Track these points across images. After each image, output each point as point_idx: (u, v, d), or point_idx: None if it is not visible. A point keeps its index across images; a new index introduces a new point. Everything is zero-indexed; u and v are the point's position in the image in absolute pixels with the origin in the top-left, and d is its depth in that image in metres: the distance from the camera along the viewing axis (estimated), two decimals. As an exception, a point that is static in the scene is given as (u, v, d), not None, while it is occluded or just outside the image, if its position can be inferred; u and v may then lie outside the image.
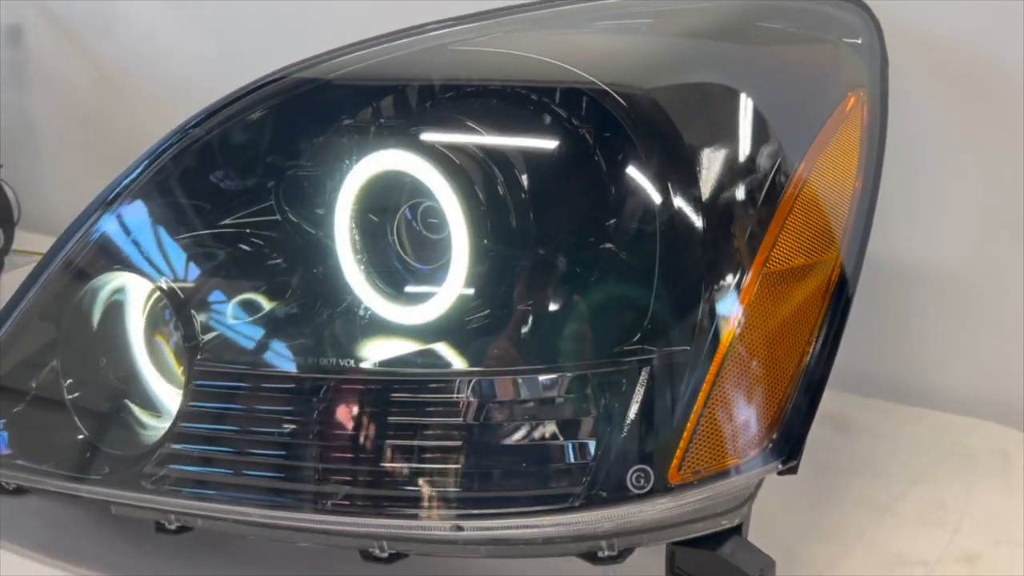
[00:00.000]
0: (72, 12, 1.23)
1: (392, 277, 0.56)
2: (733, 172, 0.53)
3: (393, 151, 0.53)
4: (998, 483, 0.72)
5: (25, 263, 1.07)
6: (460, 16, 0.60)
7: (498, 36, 0.57)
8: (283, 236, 0.58)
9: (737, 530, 0.58)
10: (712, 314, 0.51)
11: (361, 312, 0.54)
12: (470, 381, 0.50)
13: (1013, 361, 0.80)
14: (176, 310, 0.55)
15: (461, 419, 0.51)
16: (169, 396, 0.63)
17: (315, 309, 0.55)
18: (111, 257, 0.59)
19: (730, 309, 0.52)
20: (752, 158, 0.55)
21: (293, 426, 0.53)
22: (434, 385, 0.51)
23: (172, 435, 0.55)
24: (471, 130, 0.54)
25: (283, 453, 0.53)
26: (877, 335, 0.85)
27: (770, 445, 0.54)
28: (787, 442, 0.54)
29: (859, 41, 0.65)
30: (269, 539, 0.59)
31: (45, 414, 0.61)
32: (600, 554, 0.55)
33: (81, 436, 0.60)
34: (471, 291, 0.51)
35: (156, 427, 0.62)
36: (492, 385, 0.50)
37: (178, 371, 0.59)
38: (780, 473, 0.56)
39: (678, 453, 0.51)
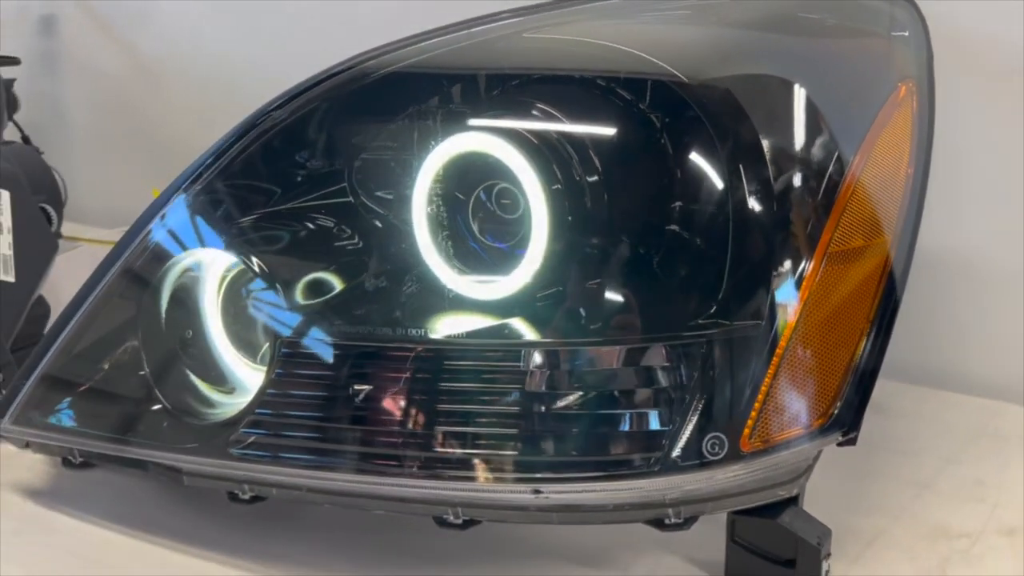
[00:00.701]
0: (108, 2, 1.27)
1: (468, 255, 0.59)
2: (798, 157, 0.56)
3: (474, 133, 0.56)
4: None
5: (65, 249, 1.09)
6: (526, 7, 0.62)
7: (566, 24, 0.60)
8: (356, 216, 0.61)
9: (794, 500, 0.61)
10: (782, 290, 0.54)
11: (442, 287, 0.57)
12: (556, 351, 0.53)
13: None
14: (266, 284, 0.58)
15: (544, 387, 0.54)
16: (242, 367, 0.65)
17: (393, 285, 0.57)
18: (191, 235, 0.61)
19: (798, 286, 0.54)
20: (815, 144, 0.57)
21: (379, 394, 0.55)
22: (517, 355, 0.54)
23: (259, 403, 0.57)
24: (547, 114, 0.57)
25: (368, 420, 0.56)
26: (908, 322, 0.89)
27: (831, 417, 0.57)
28: (847, 414, 0.57)
29: (906, 34, 0.68)
30: (344, 507, 0.61)
31: (123, 387, 0.63)
32: (667, 521, 0.58)
33: (159, 407, 0.62)
34: (550, 267, 0.54)
35: (228, 401, 0.65)
36: (577, 355, 0.53)
37: (258, 343, 0.61)
38: (840, 444, 0.59)
39: (749, 422, 0.54)
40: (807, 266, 0.55)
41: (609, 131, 0.55)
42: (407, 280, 0.57)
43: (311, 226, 0.60)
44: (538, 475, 0.53)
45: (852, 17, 0.66)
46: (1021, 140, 0.83)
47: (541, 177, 0.53)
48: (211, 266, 0.64)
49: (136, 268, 0.63)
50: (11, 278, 0.85)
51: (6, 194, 0.86)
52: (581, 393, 0.53)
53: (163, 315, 0.62)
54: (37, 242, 0.88)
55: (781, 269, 0.54)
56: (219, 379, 0.64)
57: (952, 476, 0.73)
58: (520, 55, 0.59)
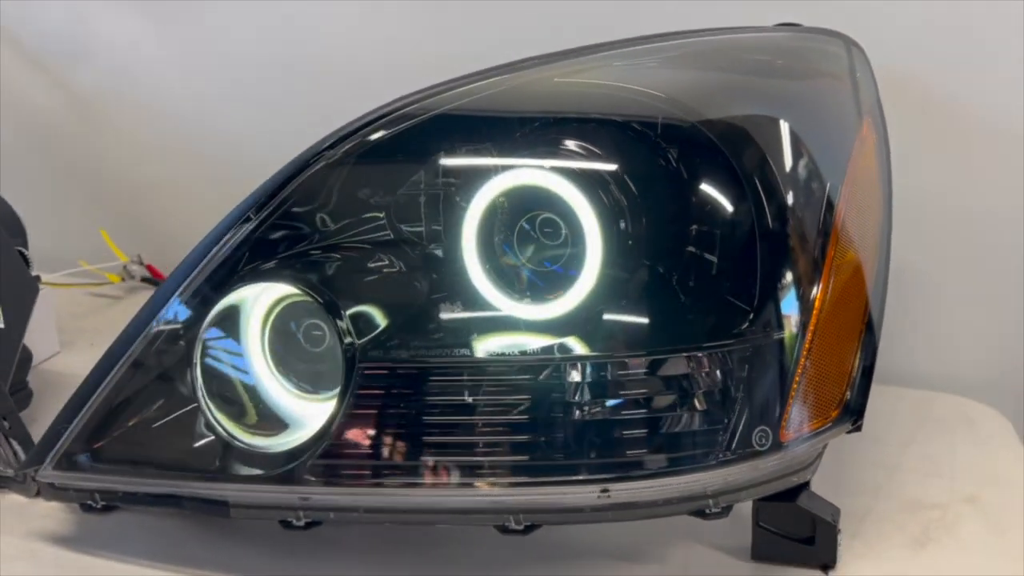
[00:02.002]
0: (40, 38, 1.23)
1: (516, 280, 0.63)
2: (803, 185, 0.65)
3: (525, 170, 0.61)
4: (970, 441, 0.86)
5: None
6: (550, 54, 0.68)
7: (592, 69, 0.66)
8: (402, 248, 0.64)
9: (806, 485, 0.69)
10: (803, 300, 0.62)
11: (500, 310, 0.61)
12: (621, 362, 0.58)
13: (963, 341, 0.97)
14: (332, 315, 0.60)
15: (614, 396, 0.59)
16: (289, 398, 0.66)
17: (451, 309, 0.61)
18: (243, 271, 0.63)
19: (814, 296, 0.63)
20: (813, 172, 0.66)
21: (453, 411, 0.59)
22: (583, 368, 0.59)
23: (337, 429, 0.60)
24: (591, 152, 0.62)
25: (444, 435, 0.59)
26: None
27: (844, 407, 0.66)
28: (856, 405, 0.66)
29: (858, 75, 0.78)
30: (408, 524, 0.64)
31: (173, 424, 0.64)
32: (708, 511, 0.65)
33: (212, 440, 0.63)
34: (607, 286, 0.59)
35: (278, 438, 0.65)
36: (640, 365, 0.58)
37: (315, 372, 0.63)
38: (849, 432, 0.67)
39: (785, 416, 0.61)
40: (820, 278, 0.64)
41: (654, 167, 0.61)
42: (458, 304, 0.61)
43: (365, 258, 0.64)
44: (606, 476, 0.59)
45: (821, 61, 0.75)
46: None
47: (593, 205, 0.60)
48: (256, 302, 0.65)
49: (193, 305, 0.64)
50: (1, 324, 0.82)
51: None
52: (645, 399, 0.59)
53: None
54: (20, 286, 0.86)
55: (802, 282, 0.62)
56: (264, 412, 0.66)
57: (912, 457, 0.84)
58: (559, 98, 0.64)
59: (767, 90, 0.70)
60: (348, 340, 0.60)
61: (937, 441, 0.86)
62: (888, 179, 0.76)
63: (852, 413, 0.65)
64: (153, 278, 1.26)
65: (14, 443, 0.76)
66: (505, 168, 0.62)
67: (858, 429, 0.67)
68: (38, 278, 0.93)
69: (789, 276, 0.61)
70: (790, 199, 0.63)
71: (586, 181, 0.60)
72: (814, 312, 0.63)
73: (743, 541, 0.70)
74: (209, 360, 0.64)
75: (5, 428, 0.76)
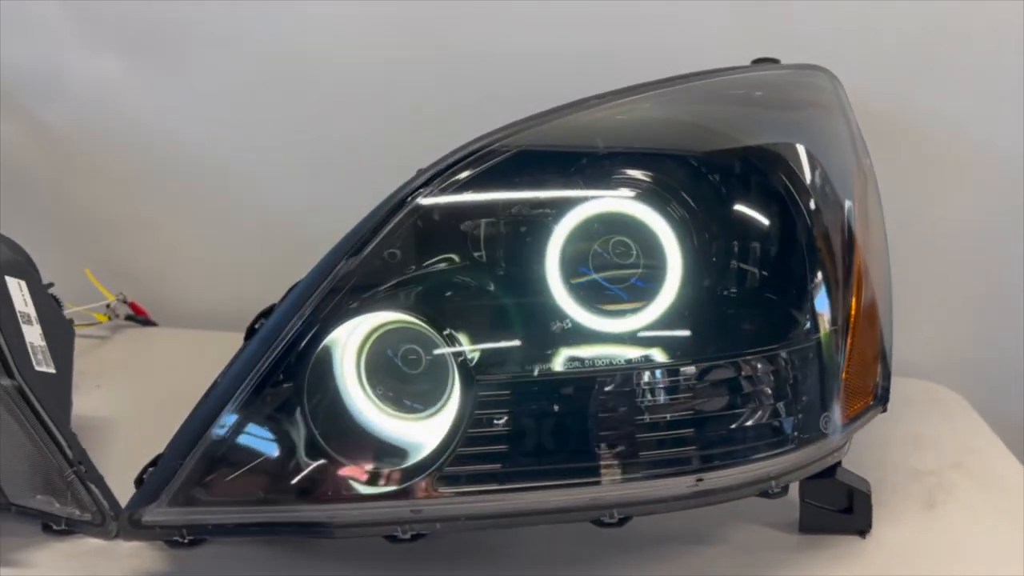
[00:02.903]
0: (12, 73, 1.18)
1: (597, 297, 0.69)
2: (834, 202, 0.74)
3: (603, 199, 0.68)
4: (941, 418, 0.99)
5: None
6: (603, 94, 0.75)
7: (642, 106, 0.73)
8: (490, 272, 0.69)
9: (839, 462, 0.78)
10: (844, 300, 0.72)
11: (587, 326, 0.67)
12: (711, 365, 0.66)
13: (925, 332, 1.10)
14: (444, 337, 0.65)
15: (706, 394, 0.66)
16: (387, 419, 0.70)
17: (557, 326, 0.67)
18: (351, 305, 0.66)
19: (851, 296, 0.73)
20: (839, 190, 0.75)
21: (559, 418, 0.65)
22: (677, 371, 0.66)
23: (459, 442, 0.65)
24: (654, 178, 0.69)
25: (552, 441, 0.65)
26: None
27: (875, 392, 0.75)
28: (884, 389, 0.77)
29: (844, 103, 0.89)
30: (510, 527, 0.69)
31: (288, 450, 0.67)
32: (771, 492, 0.73)
33: (323, 463, 0.66)
34: (683, 297, 0.67)
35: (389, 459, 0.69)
36: (727, 366, 0.66)
37: (419, 393, 0.68)
38: (880, 412, 0.77)
39: (841, 401, 0.70)
40: (853, 281, 0.73)
41: (715, 190, 0.69)
42: (567, 321, 0.67)
43: (461, 283, 0.68)
44: (700, 467, 0.66)
45: (818, 94, 0.85)
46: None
47: (671, 227, 0.67)
48: (351, 335, 0.69)
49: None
50: (52, 369, 0.81)
51: (23, 284, 0.82)
52: (730, 397, 0.67)
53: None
54: (60, 329, 0.85)
55: (841, 286, 0.72)
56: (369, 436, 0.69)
57: (898, 434, 0.95)
58: (623, 132, 0.72)
59: (787, 120, 0.80)
60: (462, 359, 0.65)
61: (914, 419, 0.99)
62: (879, 198, 0.87)
63: (882, 396, 0.76)
64: (136, 315, 1.24)
65: (92, 487, 0.76)
66: (584, 199, 0.70)
67: (884, 410, 0.77)
68: (71, 321, 0.92)
69: (832, 281, 0.71)
70: (827, 215, 0.73)
71: (659, 205, 0.68)
72: (852, 311, 0.73)
73: (787, 518, 0.79)
74: (315, 392, 0.68)
75: (82, 473, 0.76)
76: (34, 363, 0.79)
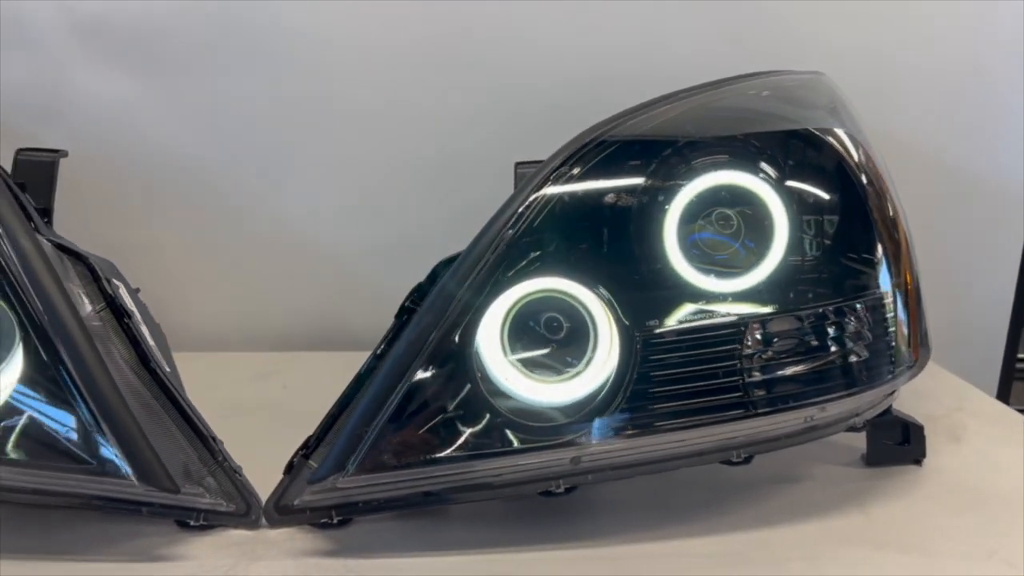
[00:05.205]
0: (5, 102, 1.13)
1: (711, 261, 0.78)
2: (884, 180, 0.87)
3: (713, 173, 0.78)
4: (926, 375, 0.99)
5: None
6: (689, 88, 0.84)
7: (726, 97, 0.84)
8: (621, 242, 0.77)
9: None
10: (907, 259, 0.84)
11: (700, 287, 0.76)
12: (818, 312, 0.76)
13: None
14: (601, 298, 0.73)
15: (808, 340, 0.77)
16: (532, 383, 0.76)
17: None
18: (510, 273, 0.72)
19: (909, 257, 0.85)
20: (884, 173, 0.88)
21: (702, 367, 0.73)
22: (790, 321, 0.76)
23: (626, 391, 0.71)
24: (757, 155, 0.80)
25: (697, 389, 0.73)
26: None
27: (923, 338, 0.87)
28: (927, 337, 0.88)
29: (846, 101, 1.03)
30: (652, 474, 0.76)
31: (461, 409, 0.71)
32: (856, 427, 0.84)
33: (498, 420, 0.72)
34: (792, 256, 0.77)
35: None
36: (834, 311, 0.77)
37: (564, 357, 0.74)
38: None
39: (915, 341, 0.83)
40: (903, 244, 0.86)
41: (810, 165, 0.81)
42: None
43: (598, 253, 0.75)
44: (818, 400, 0.76)
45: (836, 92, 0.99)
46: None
47: (779, 196, 0.78)
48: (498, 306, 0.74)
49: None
50: (168, 368, 0.78)
51: (121, 286, 0.79)
52: (836, 340, 0.77)
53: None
54: (158, 331, 0.82)
55: (902, 246, 0.84)
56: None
57: (902, 388, 1.07)
58: (717, 120, 0.82)
59: (826, 110, 0.92)
60: (626, 322, 0.73)
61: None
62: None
63: (927, 343, 0.89)
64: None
65: (238, 477, 0.75)
66: (696, 176, 0.79)
67: (928, 357, 0.90)
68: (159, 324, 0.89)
69: (900, 242, 0.84)
70: (884, 189, 0.86)
71: (765, 177, 0.79)
72: (907, 269, 0.86)
73: (846, 458, 0.90)
74: (478, 355, 0.73)
75: (227, 466, 0.75)
76: (159, 358, 0.78)
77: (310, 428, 0.80)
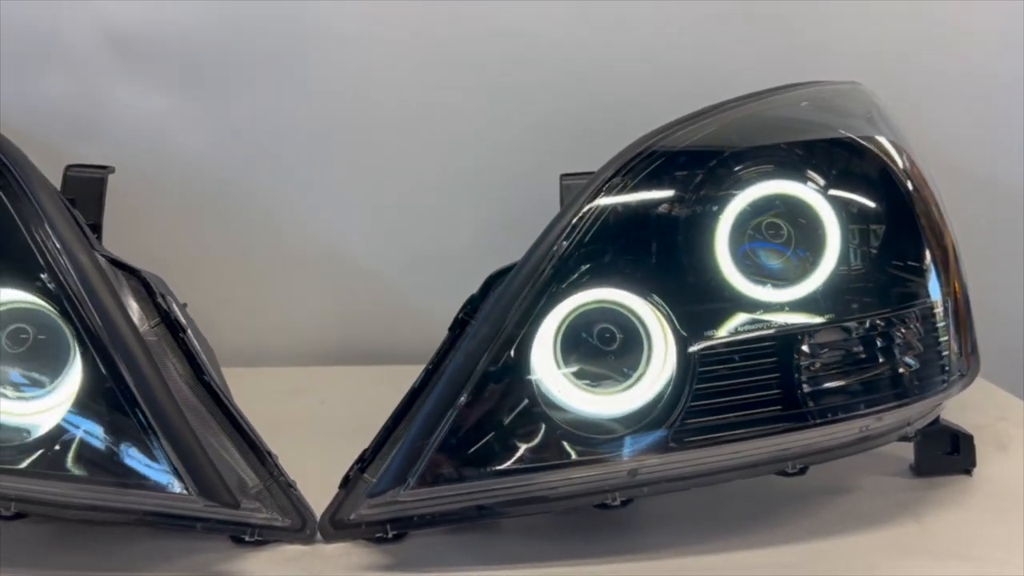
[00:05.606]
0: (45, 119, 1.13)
1: (762, 270, 0.78)
2: (931, 187, 0.87)
3: (775, 180, 0.78)
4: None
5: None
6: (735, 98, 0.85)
7: (772, 107, 0.84)
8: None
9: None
10: (956, 269, 0.84)
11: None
12: (871, 322, 0.76)
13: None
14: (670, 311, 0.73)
15: (862, 349, 0.76)
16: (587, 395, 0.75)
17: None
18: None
19: (957, 265, 0.84)
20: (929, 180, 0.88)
21: (763, 373, 0.73)
22: (843, 331, 0.76)
23: (684, 404, 0.71)
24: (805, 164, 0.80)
25: (753, 400, 0.73)
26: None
27: (974, 347, 0.87)
28: (976, 347, 0.88)
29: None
30: (706, 485, 0.76)
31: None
32: (908, 436, 0.84)
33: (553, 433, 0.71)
34: (843, 265, 0.78)
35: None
36: (885, 322, 0.77)
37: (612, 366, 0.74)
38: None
39: (967, 351, 0.82)
40: (951, 251, 0.86)
41: (858, 174, 0.81)
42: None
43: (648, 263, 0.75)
44: (875, 410, 0.76)
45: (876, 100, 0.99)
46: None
47: (831, 206, 0.78)
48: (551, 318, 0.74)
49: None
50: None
51: (172, 300, 0.79)
52: (889, 349, 0.77)
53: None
54: (207, 346, 0.82)
55: (950, 255, 0.84)
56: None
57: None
58: (764, 129, 0.82)
59: (867, 119, 0.92)
60: (683, 332, 0.73)
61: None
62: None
63: (977, 352, 0.88)
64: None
65: (292, 492, 0.75)
66: (748, 185, 0.79)
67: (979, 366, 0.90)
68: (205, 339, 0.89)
69: (948, 249, 0.83)
70: (932, 195, 0.86)
71: (816, 186, 0.79)
72: (956, 279, 0.85)
73: (894, 468, 0.90)
74: (533, 367, 0.73)
75: (282, 481, 0.74)
76: (213, 373, 0.77)
77: (352, 443, 0.79)
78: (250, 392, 1.12)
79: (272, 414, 1.06)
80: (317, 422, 1.05)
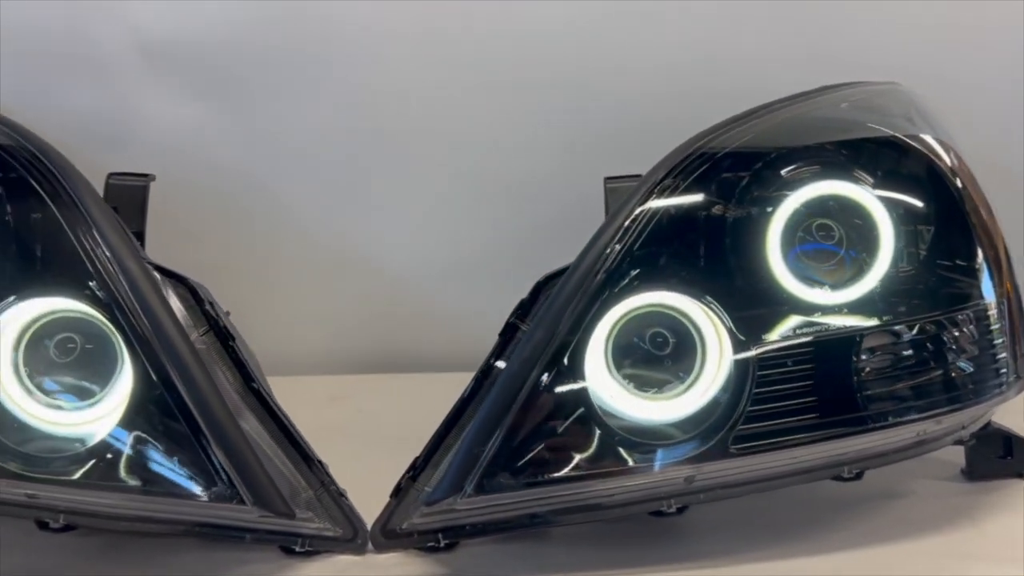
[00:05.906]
0: (72, 117, 1.12)
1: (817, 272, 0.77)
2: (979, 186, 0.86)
3: (828, 181, 0.77)
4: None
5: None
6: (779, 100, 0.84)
7: (816, 108, 0.83)
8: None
9: (989, 418, 0.89)
10: (1008, 269, 0.82)
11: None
12: (925, 324, 0.75)
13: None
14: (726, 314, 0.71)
15: (919, 352, 0.75)
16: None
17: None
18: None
19: (1010, 266, 0.83)
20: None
21: (819, 377, 0.72)
22: (897, 333, 0.75)
23: (737, 412, 0.70)
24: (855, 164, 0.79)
25: (812, 404, 0.71)
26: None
27: None
28: (1028, 346, 0.88)
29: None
30: (761, 492, 0.76)
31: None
32: (963, 440, 0.83)
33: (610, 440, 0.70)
34: (897, 267, 0.76)
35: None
36: (937, 324, 0.75)
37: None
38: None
39: (1012, 358, 0.80)
40: (1002, 250, 0.85)
41: (909, 174, 0.80)
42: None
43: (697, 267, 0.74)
44: (932, 413, 0.74)
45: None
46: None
47: (885, 207, 0.77)
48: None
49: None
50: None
51: (219, 308, 0.79)
52: (945, 351, 0.75)
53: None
54: (249, 351, 0.81)
55: (1001, 255, 0.82)
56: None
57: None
58: (811, 130, 0.80)
59: (906, 118, 0.91)
60: (741, 336, 0.71)
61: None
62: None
63: (1032, 361, 0.89)
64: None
65: (344, 502, 0.74)
66: (798, 185, 0.78)
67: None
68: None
69: (999, 248, 0.82)
70: (981, 194, 0.85)
71: (869, 186, 0.78)
72: (1009, 275, 0.84)
73: (945, 473, 0.88)
74: (587, 373, 0.71)
75: (333, 490, 0.73)
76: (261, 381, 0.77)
77: (393, 451, 0.78)
78: (286, 401, 1.13)
79: (312, 422, 1.05)
80: (356, 430, 1.04)
